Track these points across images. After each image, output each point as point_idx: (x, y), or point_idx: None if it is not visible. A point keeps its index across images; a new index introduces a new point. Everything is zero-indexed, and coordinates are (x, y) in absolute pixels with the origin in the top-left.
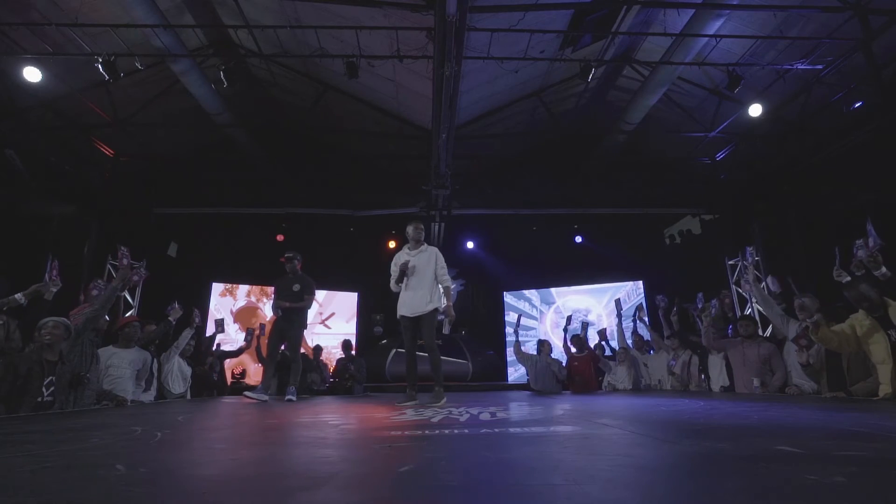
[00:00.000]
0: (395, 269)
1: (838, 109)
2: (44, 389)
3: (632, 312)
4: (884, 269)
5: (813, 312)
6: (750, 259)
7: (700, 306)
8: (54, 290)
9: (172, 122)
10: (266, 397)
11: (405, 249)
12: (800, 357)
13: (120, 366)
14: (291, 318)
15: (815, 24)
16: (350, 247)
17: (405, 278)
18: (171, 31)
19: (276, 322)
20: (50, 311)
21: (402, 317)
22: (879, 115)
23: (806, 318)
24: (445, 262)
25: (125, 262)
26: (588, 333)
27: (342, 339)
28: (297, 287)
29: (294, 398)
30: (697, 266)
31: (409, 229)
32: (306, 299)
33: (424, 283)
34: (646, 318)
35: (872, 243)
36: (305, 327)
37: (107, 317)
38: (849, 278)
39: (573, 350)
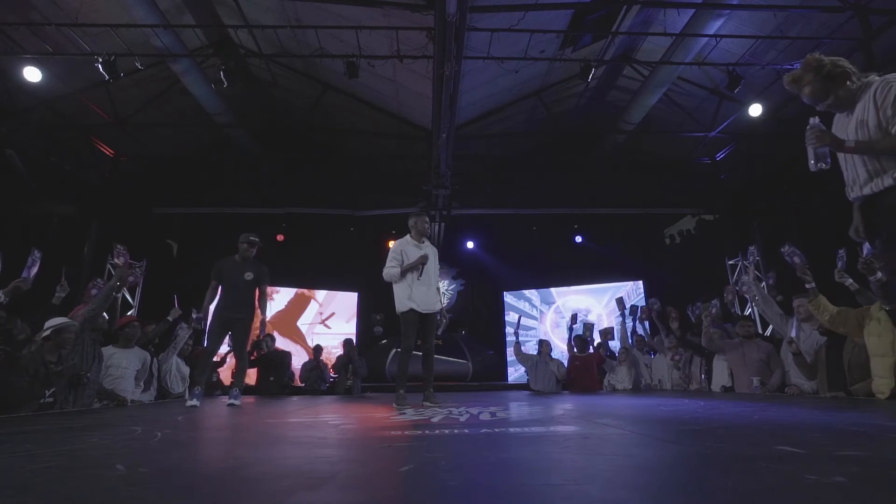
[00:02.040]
0: (399, 258)
1: None
2: (45, 391)
3: (630, 315)
4: (879, 275)
5: (809, 314)
6: (751, 259)
7: (699, 310)
8: (62, 294)
9: (172, 122)
10: (197, 402)
11: (411, 241)
12: (790, 346)
13: (120, 366)
14: (241, 308)
15: (815, 24)
16: (350, 247)
17: (416, 272)
18: (171, 31)
19: (221, 312)
20: (58, 314)
21: (412, 311)
22: None
23: (799, 316)
24: (444, 261)
25: (121, 260)
26: (593, 332)
27: (344, 339)
28: (249, 276)
29: (238, 402)
30: (697, 266)
31: (417, 221)
32: (264, 290)
33: (433, 280)
34: (645, 323)
35: (865, 251)
36: (252, 320)
37: (106, 315)
38: (850, 280)
39: (575, 350)
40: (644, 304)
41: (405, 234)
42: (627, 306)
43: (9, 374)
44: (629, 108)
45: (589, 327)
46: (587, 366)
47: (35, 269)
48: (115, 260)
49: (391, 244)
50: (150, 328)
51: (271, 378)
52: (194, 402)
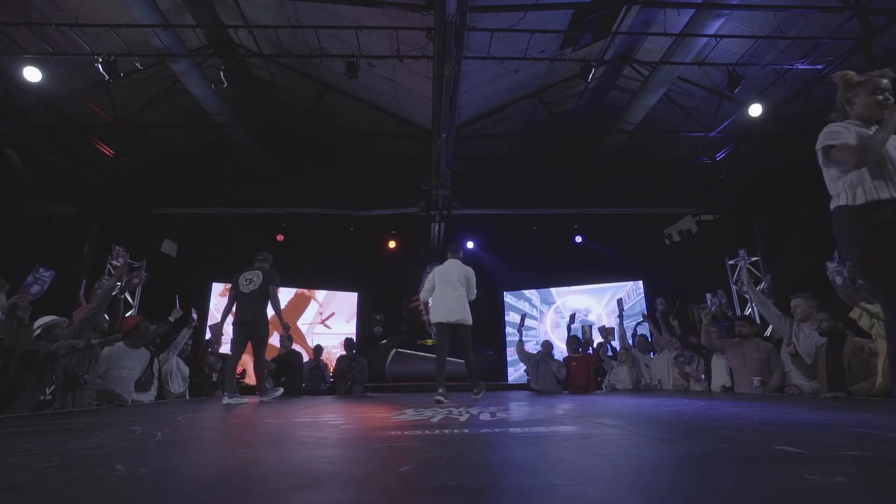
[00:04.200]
0: None
1: None
2: (46, 389)
3: (636, 317)
4: (861, 282)
5: (808, 313)
6: (744, 262)
7: (704, 308)
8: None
9: (172, 122)
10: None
11: None
12: (787, 347)
13: (126, 366)
14: None
15: (815, 24)
16: (350, 247)
17: None
18: (171, 31)
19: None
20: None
21: None
22: None
23: (796, 316)
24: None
25: (120, 260)
26: (592, 334)
27: (345, 338)
28: None
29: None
30: (697, 266)
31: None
32: None
33: None
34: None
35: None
36: None
37: (106, 316)
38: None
39: (570, 351)
40: (644, 304)
41: (404, 236)
42: (626, 307)
43: (19, 368)
44: (629, 108)
45: (587, 329)
46: (582, 366)
47: (39, 289)
48: (115, 261)
49: (391, 244)
50: (151, 328)
51: (283, 379)
52: (238, 399)
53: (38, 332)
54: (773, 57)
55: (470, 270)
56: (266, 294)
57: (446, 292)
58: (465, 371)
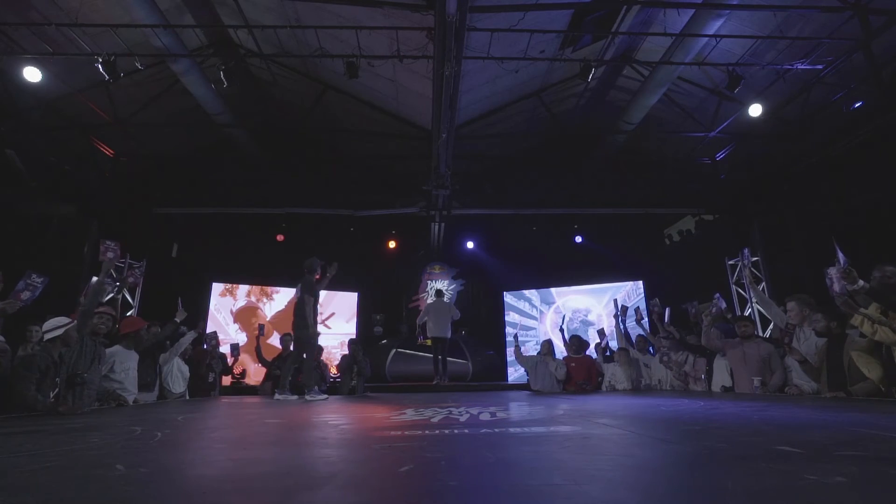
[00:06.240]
0: None
1: (838, 109)
2: (49, 392)
3: (630, 314)
4: (861, 283)
5: (802, 316)
6: (746, 261)
7: (694, 311)
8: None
9: (172, 122)
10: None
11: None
12: (792, 354)
13: (130, 367)
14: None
15: (815, 24)
16: (350, 247)
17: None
18: (171, 31)
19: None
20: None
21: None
22: (879, 115)
23: (791, 320)
24: (444, 261)
25: (109, 255)
26: (589, 334)
27: (348, 339)
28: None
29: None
30: (697, 266)
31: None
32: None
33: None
34: (644, 321)
35: (843, 262)
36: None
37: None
38: (862, 282)
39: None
40: (644, 303)
41: (404, 236)
42: (629, 308)
43: (23, 373)
44: (629, 108)
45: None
46: (581, 367)
47: (31, 295)
48: (103, 256)
49: (391, 244)
50: (153, 329)
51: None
52: (322, 396)
53: (56, 332)
54: (773, 57)
55: (454, 307)
56: (302, 302)
57: (440, 319)
58: (463, 371)
